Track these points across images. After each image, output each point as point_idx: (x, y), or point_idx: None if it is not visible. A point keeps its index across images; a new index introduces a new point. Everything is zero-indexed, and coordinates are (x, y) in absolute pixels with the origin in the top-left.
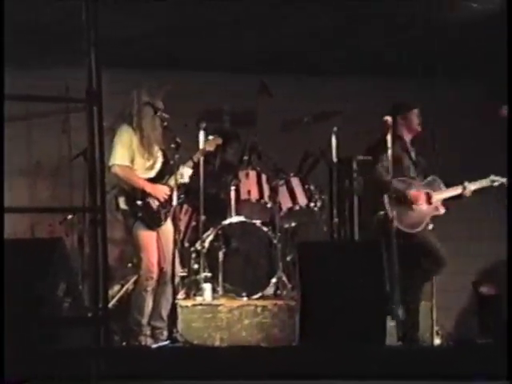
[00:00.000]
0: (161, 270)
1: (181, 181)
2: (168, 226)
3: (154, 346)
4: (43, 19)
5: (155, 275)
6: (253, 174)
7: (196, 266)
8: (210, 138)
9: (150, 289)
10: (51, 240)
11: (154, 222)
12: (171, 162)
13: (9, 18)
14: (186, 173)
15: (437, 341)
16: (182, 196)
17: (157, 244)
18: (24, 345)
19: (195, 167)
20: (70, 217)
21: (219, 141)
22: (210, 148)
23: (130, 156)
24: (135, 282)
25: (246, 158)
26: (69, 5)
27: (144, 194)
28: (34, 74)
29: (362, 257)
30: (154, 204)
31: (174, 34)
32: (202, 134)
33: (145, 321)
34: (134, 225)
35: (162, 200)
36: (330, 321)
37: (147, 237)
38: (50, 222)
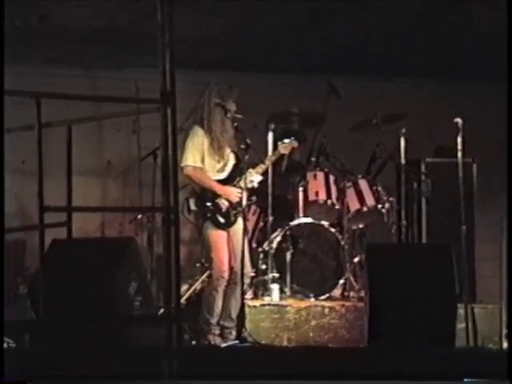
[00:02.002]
0: (231, 270)
1: (250, 185)
2: (239, 227)
3: (224, 345)
4: (116, 21)
5: (226, 275)
6: (321, 175)
7: (264, 267)
8: (286, 141)
9: (220, 289)
10: (124, 239)
11: (223, 223)
12: (242, 164)
13: (81, 20)
14: (255, 179)
15: (505, 344)
16: (253, 198)
17: (227, 244)
18: (96, 342)
19: (265, 171)
20: (139, 216)
21: (295, 144)
22: (286, 151)
23: (201, 157)
24: (206, 282)
25: (313, 159)
26: (141, 6)
27: (214, 196)
28: (104, 75)
29: (431, 259)
30: (224, 205)
31: (244, 35)
32: (271, 135)
33: (214, 320)
34: (204, 225)
35: (233, 201)
36: (399, 322)
37: (217, 237)
38: (120, 222)
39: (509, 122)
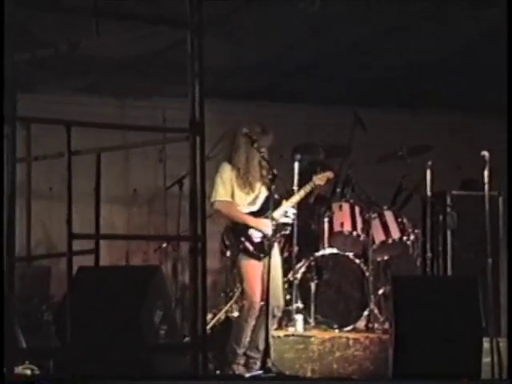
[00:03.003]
0: (265, 299)
1: (284, 220)
2: (275, 259)
3: (248, 375)
4: (145, 50)
5: (257, 306)
6: (346, 206)
7: (288, 297)
8: (322, 174)
9: (250, 320)
10: (150, 267)
11: (256, 254)
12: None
13: (111, 49)
14: (290, 211)
15: None
16: (287, 229)
17: (261, 276)
18: (121, 370)
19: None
20: (164, 245)
21: (331, 175)
22: (321, 182)
23: (231, 192)
24: (234, 311)
25: (339, 190)
26: (171, 35)
27: (246, 228)
28: (131, 104)
29: (457, 292)
30: (257, 237)
31: (272, 65)
32: (296, 166)
33: (241, 351)
34: (238, 257)
35: (266, 232)
36: (424, 355)
37: (250, 267)
38: (145, 250)
39: (509, 122)
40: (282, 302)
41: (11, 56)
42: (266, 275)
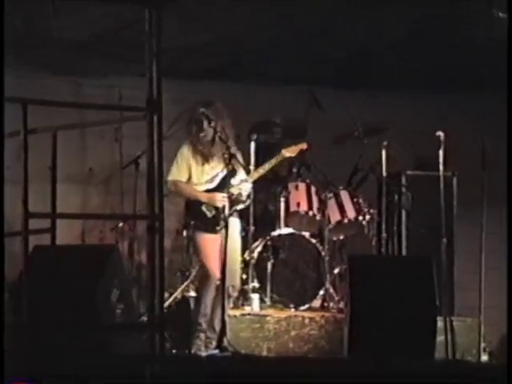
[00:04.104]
0: (221, 278)
1: (239, 198)
2: (233, 235)
3: (204, 354)
4: (103, 29)
5: (216, 277)
6: (302, 186)
7: (244, 276)
8: (293, 146)
9: (210, 291)
10: (106, 246)
11: (209, 228)
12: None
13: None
14: (245, 189)
15: (484, 357)
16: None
17: (219, 250)
18: (78, 350)
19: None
20: (120, 224)
21: (305, 146)
22: (292, 154)
23: (186, 171)
24: (195, 290)
25: (295, 170)
26: (128, 14)
27: (200, 204)
28: (88, 82)
29: (412, 271)
30: (210, 212)
31: (230, 44)
32: (253, 145)
33: (202, 321)
34: (193, 233)
35: (219, 206)
36: (379, 334)
37: (207, 241)
38: (101, 229)
39: (509, 122)
40: (238, 282)
41: None
42: (223, 249)
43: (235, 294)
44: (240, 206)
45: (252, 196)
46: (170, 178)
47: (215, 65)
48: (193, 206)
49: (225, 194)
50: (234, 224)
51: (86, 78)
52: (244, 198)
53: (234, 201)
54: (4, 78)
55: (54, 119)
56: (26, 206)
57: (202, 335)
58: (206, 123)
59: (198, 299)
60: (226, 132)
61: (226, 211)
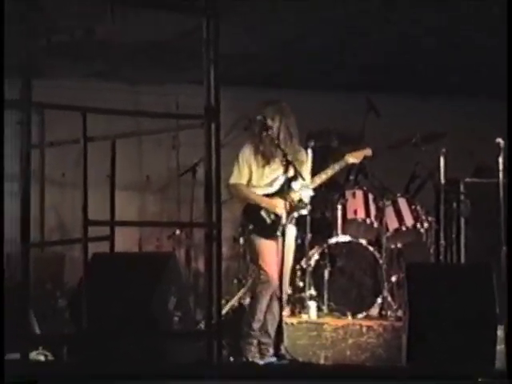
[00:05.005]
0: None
1: (299, 204)
2: (289, 242)
3: (262, 362)
4: (160, 36)
5: (273, 280)
6: (359, 193)
7: (301, 284)
8: (357, 151)
9: (265, 293)
10: (164, 254)
11: (267, 234)
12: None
13: (126, 35)
14: (305, 196)
15: None
16: (303, 209)
17: (276, 254)
18: (136, 357)
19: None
20: (177, 232)
21: (369, 152)
22: (356, 160)
23: (247, 174)
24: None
25: (352, 177)
26: (186, 21)
27: (259, 208)
28: (145, 91)
29: (472, 279)
30: (269, 217)
31: (286, 52)
32: (310, 152)
33: (256, 326)
34: (250, 238)
35: (278, 213)
36: (438, 342)
37: (264, 245)
38: (158, 237)
39: (508, 122)
40: (287, 288)
41: (25, 42)
42: (280, 255)
43: (285, 298)
44: (299, 213)
45: (310, 202)
46: (232, 181)
47: (271, 72)
48: (252, 211)
49: (284, 201)
50: (291, 231)
51: (143, 86)
52: (304, 204)
53: (293, 207)
54: (4, 77)
55: (113, 128)
56: (86, 214)
57: (255, 341)
58: (269, 121)
59: (252, 304)
60: (291, 130)
61: (285, 218)
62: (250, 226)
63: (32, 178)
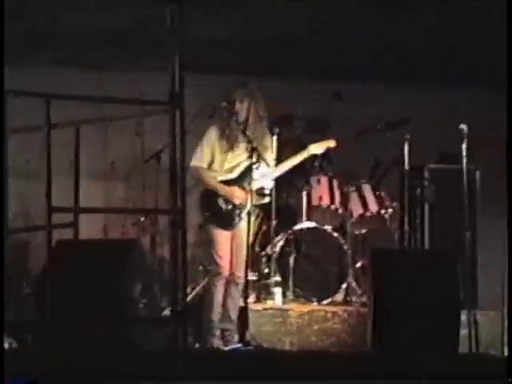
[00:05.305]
0: (230, 269)
1: (260, 193)
2: (243, 229)
3: (227, 348)
4: (124, 23)
5: (225, 272)
6: (324, 179)
7: (266, 271)
8: (320, 142)
9: (218, 284)
10: (128, 241)
11: (223, 223)
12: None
13: (90, 22)
14: (266, 184)
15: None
16: (266, 199)
17: (230, 244)
18: (100, 343)
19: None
20: (142, 219)
21: (332, 143)
22: (317, 151)
23: (209, 157)
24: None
25: (317, 163)
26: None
27: (217, 196)
28: (109, 78)
29: (436, 264)
30: (226, 206)
31: (250, 39)
32: (275, 139)
33: (216, 317)
34: (206, 224)
35: (237, 203)
36: (403, 327)
37: (219, 235)
38: (122, 224)
39: (508, 121)
40: (244, 274)
41: None
42: (237, 245)
43: (241, 281)
44: (260, 202)
45: (274, 189)
46: (193, 163)
47: (237, 59)
48: (209, 197)
49: (244, 191)
50: (247, 221)
51: (107, 73)
52: (264, 193)
53: (252, 197)
54: (4, 76)
55: (76, 114)
56: (50, 201)
57: (217, 332)
58: (238, 104)
59: (207, 297)
60: (260, 113)
61: (243, 207)
62: (206, 214)
63: None
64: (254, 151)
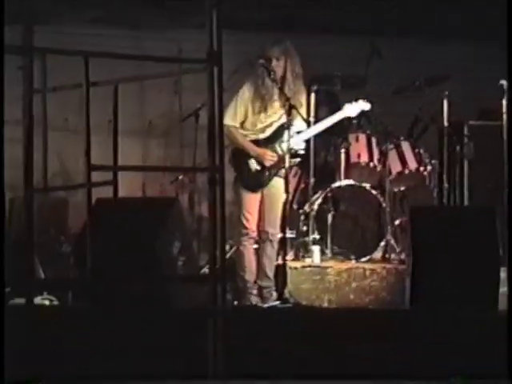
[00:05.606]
0: (259, 230)
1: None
2: (275, 189)
3: (266, 305)
4: None
5: (251, 233)
6: (363, 137)
7: (305, 229)
8: (355, 104)
9: (246, 245)
10: (167, 199)
11: (251, 185)
12: (281, 125)
13: None
14: (297, 145)
15: None
16: (296, 160)
17: (259, 205)
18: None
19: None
20: (180, 177)
21: (367, 106)
22: (353, 113)
23: (242, 116)
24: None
25: (355, 121)
26: None
27: (247, 156)
28: (147, 36)
29: (475, 221)
30: (255, 167)
31: None
32: (313, 97)
33: (249, 277)
34: (236, 185)
35: (267, 165)
36: (441, 284)
37: (244, 196)
38: (161, 182)
39: (508, 120)
40: (277, 230)
41: None
42: (267, 205)
43: (276, 238)
44: (291, 164)
45: (312, 147)
46: (225, 121)
47: (274, 17)
48: (239, 157)
49: (273, 154)
50: (278, 183)
51: (146, 31)
52: (295, 154)
53: (283, 159)
54: (4, 75)
55: (115, 73)
56: (89, 159)
57: (254, 291)
58: (274, 61)
59: (239, 259)
60: (296, 71)
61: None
62: (235, 174)
63: (34, 124)
64: (292, 108)
